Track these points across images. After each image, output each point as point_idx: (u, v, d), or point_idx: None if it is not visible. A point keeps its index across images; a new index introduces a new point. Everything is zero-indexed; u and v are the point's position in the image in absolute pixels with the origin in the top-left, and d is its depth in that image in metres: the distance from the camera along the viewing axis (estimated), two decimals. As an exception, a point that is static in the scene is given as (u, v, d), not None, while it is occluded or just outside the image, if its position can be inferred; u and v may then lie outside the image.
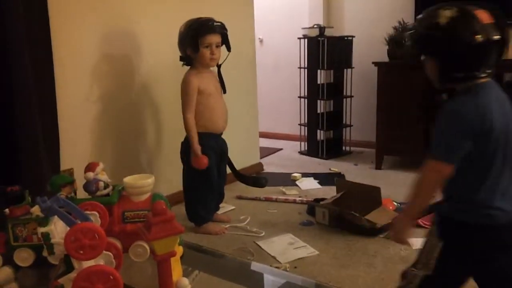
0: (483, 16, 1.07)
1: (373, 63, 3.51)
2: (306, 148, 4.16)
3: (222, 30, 2.23)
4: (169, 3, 2.66)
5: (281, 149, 4.32)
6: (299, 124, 4.19)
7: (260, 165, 3.62)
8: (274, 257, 2.12)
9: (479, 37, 1.06)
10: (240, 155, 3.32)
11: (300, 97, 4.14)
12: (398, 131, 3.45)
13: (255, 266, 1.17)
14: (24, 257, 1.06)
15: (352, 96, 4.08)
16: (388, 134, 3.50)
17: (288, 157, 4.08)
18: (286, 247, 2.24)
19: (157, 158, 2.72)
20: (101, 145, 2.42)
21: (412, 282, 1.26)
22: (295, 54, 4.05)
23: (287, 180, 3.29)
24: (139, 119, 2.62)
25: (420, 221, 2.38)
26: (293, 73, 4.20)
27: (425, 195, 1.15)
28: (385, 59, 3.53)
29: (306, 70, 4.03)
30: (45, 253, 1.00)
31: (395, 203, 2.63)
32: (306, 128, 4.14)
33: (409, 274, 1.28)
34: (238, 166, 3.29)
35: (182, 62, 2.28)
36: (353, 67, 4.00)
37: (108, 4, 2.37)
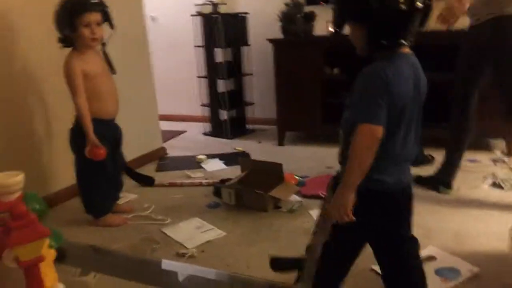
0: None
1: (267, 39, 3.54)
2: (210, 129, 4.12)
3: (101, 7, 2.07)
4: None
5: (184, 131, 4.22)
6: (201, 105, 4.12)
7: (163, 149, 3.50)
8: (181, 243, 2.07)
9: (407, 4, 1.08)
10: (141, 140, 3.18)
11: (199, 76, 4.06)
12: (297, 107, 3.55)
13: (153, 261, 1.11)
14: None
15: (251, 74, 4.09)
16: (288, 111, 3.58)
17: (193, 139, 4.01)
18: (193, 231, 2.19)
19: (47, 149, 2.48)
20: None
21: (314, 251, 1.30)
22: (190, 32, 3.94)
23: (192, 162, 3.22)
24: (22, 107, 2.35)
25: (320, 193, 2.48)
26: (189, 52, 4.09)
27: (360, 162, 1.13)
28: (280, 35, 3.57)
29: (203, 48, 3.95)
30: None
31: (297, 177, 2.71)
32: (208, 108, 4.08)
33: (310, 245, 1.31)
34: (139, 152, 3.18)
35: (61, 44, 2.08)
36: (250, 45, 3.99)
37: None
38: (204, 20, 3.84)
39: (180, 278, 1.01)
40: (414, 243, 1.30)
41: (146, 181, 2.37)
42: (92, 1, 2.05)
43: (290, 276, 1.50)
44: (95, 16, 2.04)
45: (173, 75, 4.45)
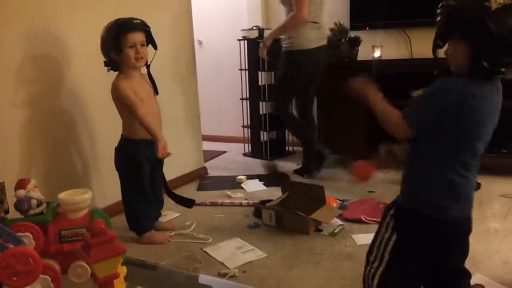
0: None
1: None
2: (250, 150, 4.17)
3: (144, 27, 2.13)
4: (100, 4, 2.54)
5: (225, 151, 4.29)
6: (242, 126, 4.19)
7: (204, 169, 3.57)
8: (222, 263, 2.09)
9: None
10: (183, 160, 3.27)
11: (242, 98, 4.14)
12: (339, 130, 3.55)
13: (202, 278, 1.14)
14: None
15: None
16: (329, 133, 3.58)
17: (233, 159, 4.06)
18: (234, 251, 2.21)
19: (92, 167, 2.59)
20: (29, 156, 2.26)
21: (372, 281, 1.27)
22: (236, 56, 4.05)
23: (232, 183, 3.27)
24: (69, 126, 2.47)
25: (362, 217, 2.46)
26: (234, 75, 4.18)
27: (383, 115, 1.23)
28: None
29: (247, 72, 4.04)
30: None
31: (338, 200, 2.70)
32: (249, 130, 4.14)
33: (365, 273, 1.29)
34: (182, 171, 3.26)
35: (108, 68, 2.16)
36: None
37: (33, 5, 2.21)
38: (249, 44, 3.95)
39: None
40: (467, 276, 1.27)
41: (186, 203, 2.43)
42: (135, 21, 2.11)
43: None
44: (139, 36, 2.10)
45: (218, 97, 4.57)
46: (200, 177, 3.44)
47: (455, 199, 1.16)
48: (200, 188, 3.24)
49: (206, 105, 3.98)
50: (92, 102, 2.54)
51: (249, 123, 4.14)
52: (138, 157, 2.20)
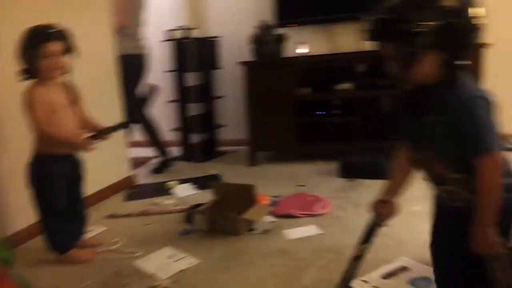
0: None
1: (239, 62, 3.56)
2: (181, 153, 4.07)
3: (62, 37, 2.01)
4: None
5: (155, 156, 4.15)
6: (171, 130, 4.08)
7: (131, 178, 3.42)
8: (152, 275, 2.00)
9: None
10: (108, 170, 3.11)
11: (169, 101, 4.02)
12: (269, 127, 3.56)
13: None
14: None
15: (222, 97, 4.09)
16: (259, 131, 3.58)
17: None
18: (166, 261, 2.13)
19: (3, 189, 2.38)
20: None
21: None
22: (160, 58, 3.93)
23: (163, 189, 3.16)
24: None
25: (293, 212, 2.47)
26: (159, 78, 4.06)
27: (496, 198, 1.05)
28: (249, 58, 3.60)
29: (174, 73, 3.93)
30: None
31: (270, 197, 2.69)
32: (179, 132, 4.04)
33: None
34: (106, 183, 3.08)
35: (24, 76, 2.00)
36: (222, 68, 4.01)
37: None
38: (175, 45, 3.85)
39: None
40: None
41: (122, 126, 2.31)
42: (53, 30, 1.98)
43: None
44: (57, 46, 1.98)
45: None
46: (128, 187, 3.29)
47: None
48: (128, 198, 3.10)
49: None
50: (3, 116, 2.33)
51: (179, 126, 4.04)
52: (54, 177, 2.06)
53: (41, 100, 1.99)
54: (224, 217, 2.35)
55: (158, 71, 4.02)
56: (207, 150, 3.99)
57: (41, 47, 1.94)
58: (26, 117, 2.02)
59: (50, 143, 2.03)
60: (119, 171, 3.29)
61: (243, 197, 2.47)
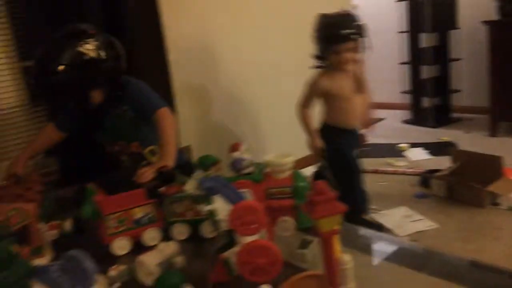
0: None
1: (482, 21, 3.23)
2: (411, 117, 3.99)
3: (357, 36, 1.99)
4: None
5: (383, 118, 4.19)
6: (401, 92, 4.02)
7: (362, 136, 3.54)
8: (391, 230, 2.11)
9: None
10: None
11: (401, 63, 3.95)
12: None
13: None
14: (180, 232, 1.18)
15: (460, 59, 3.80)
16: (502, 99, 3.22)
17: (391, 126, 3.95)
18: (402, 220, 2.21)
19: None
20: (215, 123, 2.54)
21: None
22: (394, 19, 3.85)
23: (394, 151, 3.20)
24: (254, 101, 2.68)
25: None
26: (392, 39, 4.01)
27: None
28: (494, 17, 3.22)
29: (407, 34, 3.82)
30: (206, 229, 1.10)
31: (520, 173, 2.44)
32: (410, 95, 3.95)
33: None
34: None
35: (316, 62, 2.05)
36: (459, 28, 3.70)
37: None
38: (409, 5, 3.72)
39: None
40: None
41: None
42: (350, 31, 1.97)
43: None
44: (351, 45, 1.98)
45: (375, 62, 4.40)
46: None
47: None
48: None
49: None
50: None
51: (409, 88, 3.95)
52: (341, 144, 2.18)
53: (315, 87, 2.05)
54: (466, 187, 2.26)
55: (391, 32, 3.97)
56: (440, 116, 3.81)
57: (335, 47, 1.96)
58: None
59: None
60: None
61: (487, 168, 2.32)
